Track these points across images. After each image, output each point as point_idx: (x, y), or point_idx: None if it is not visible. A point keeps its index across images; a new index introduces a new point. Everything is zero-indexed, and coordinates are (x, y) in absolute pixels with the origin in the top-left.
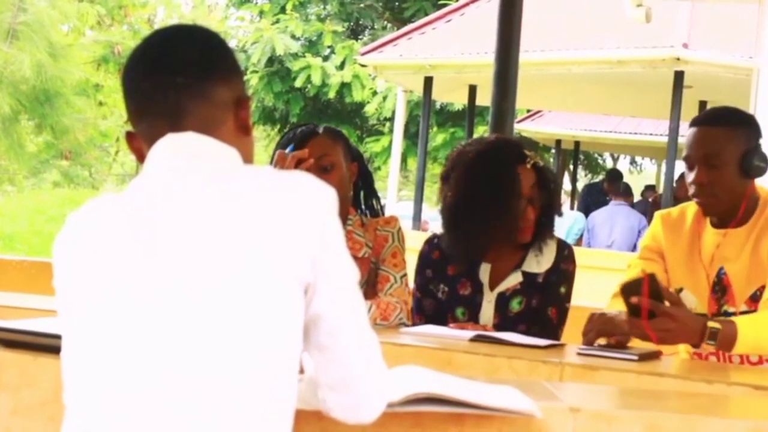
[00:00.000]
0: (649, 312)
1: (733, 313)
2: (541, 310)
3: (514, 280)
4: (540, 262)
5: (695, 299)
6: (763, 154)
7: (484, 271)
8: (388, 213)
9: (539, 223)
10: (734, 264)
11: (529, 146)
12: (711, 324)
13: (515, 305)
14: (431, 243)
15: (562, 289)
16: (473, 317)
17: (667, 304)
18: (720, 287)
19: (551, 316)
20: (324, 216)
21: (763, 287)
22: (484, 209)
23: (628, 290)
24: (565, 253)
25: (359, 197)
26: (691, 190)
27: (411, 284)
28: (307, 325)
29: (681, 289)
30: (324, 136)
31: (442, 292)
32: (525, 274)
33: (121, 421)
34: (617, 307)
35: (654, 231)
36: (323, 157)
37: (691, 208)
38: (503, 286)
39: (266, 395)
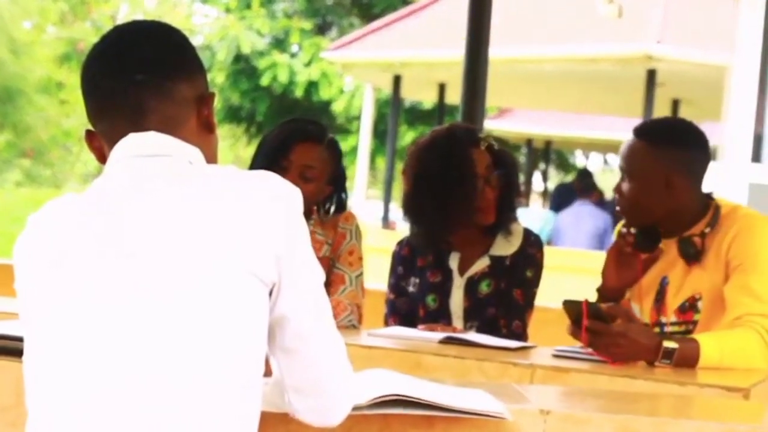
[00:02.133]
0: (596, 333)
1: (665, 324)
2: (506, 291)
3: (482, 264)
4: (507, 246)
5: (638, 309)
6: (692, 172)
7: (453, 259)
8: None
9: (501, 204)
10: (670, 274)
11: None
12: (667, 344)
13: (484, 287)
14: (401, 243)
15: (528, 273)
16: (444, 304)
17: (619, 321)
18: (661, 296)
19: (516, 297)
20: (289, 216)
21: (693, 297)
22: (439, 191)
23: (570, 309)
24: (531, 239)
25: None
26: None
27: (394, 281)
28: (272, 326)
29: (628, 299)
30: (325, 148)
31: (413, 285)
32: (492, 258)
33: (84, 424)
34: None
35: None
36: (311, 168)
37: None
38: (472, 271)
39: (230, 397)
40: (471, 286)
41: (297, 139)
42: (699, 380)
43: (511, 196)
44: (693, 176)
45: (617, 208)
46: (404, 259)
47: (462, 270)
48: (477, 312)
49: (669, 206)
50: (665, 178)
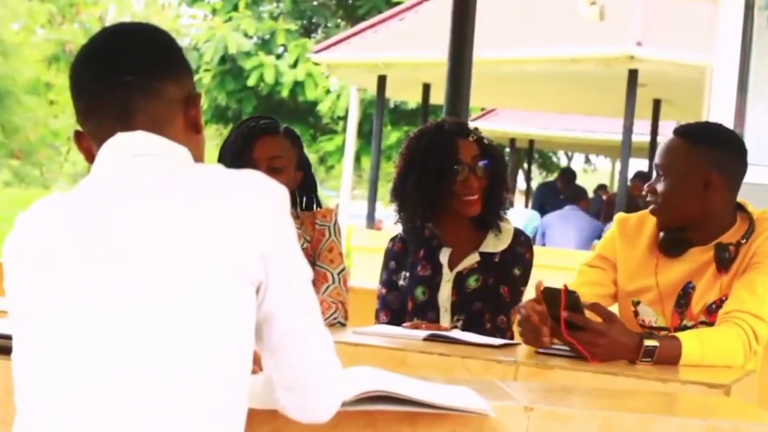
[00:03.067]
0: (574, 325)
1: (689, 327)
2: (494, 287)
3: (471, 260)
4: (497, 243)
5: (653, 312)
6: (730, 175)
7: (444, 254)
8: (342, 213)
9: (488, 197)
10: (696, 280)
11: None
12: (648, 342)
13: (472, 282)
14: (394, 239)
15: (517, 271)
16: (432, 296)
17: (598, 319)
18: (685, 301)
19: (503, 293)
20: (275, 214)
21: (720, 299)
22: (422, 174)
23: (548, 298)
24: (521, 239)
25: (295, 202)
26: (648, 197)
27: (386, 276)
28: (260, 324)
29: (638, 302)
30: (283, 137)
31: (403, 279)
32: (482, 254)
33: (73, 422)
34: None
35: (610, 237)
36: (277, 159)
37: (652, 216)
38: (461, 266)
39: (217, 394)
40: (459, 281)
41: (255, 137)
42: (681, 377)
43: (498, 189)
44: (730, 180)
45: (650, 207)
46: (396, 255)
47: (452, 265)
48: (464, 306)
49: (704, 207)
50: (705, 176)
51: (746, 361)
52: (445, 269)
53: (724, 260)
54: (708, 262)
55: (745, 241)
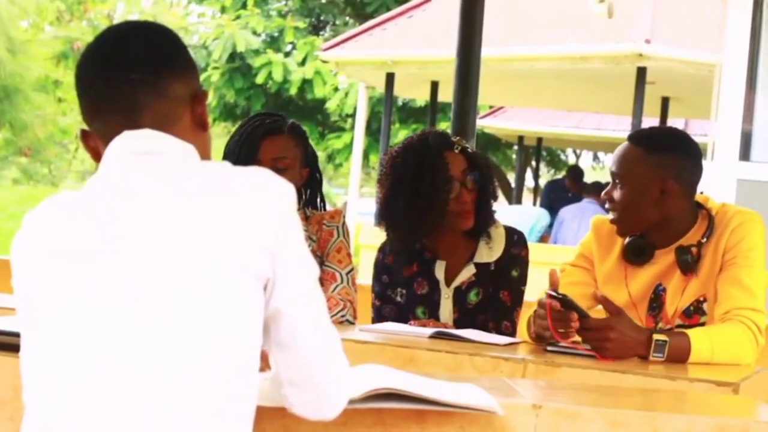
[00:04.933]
0: (586, 329)
1: (667, 330)
2: (494, 294)
3: (467, 273)
4: (490, 252)
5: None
6: (686, 180)
7: (439, 268)
8: (350, 210)
9: (478, 207)
10: (665, 282)
11: (492, 142)
12: (657, 336)
13: (472, 297)
14: (383, 250)
15: (514, 273)
16: (433, 315)
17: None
18: (657, 304)
19: (504, 298)
20: (283, 211)
21: (698, 300)
22: (412, 193)
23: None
24: (514, 239)
25: (301, 199)
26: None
27: (379, 289)
28: (267, 321)
29: None
30: (288, 136)
31: (400, 295)
32: (477, 265)
33: (80, 420)
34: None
35: (588, 239)
36: (281, 159)
37: None
38: (458, 281)
39: (226, 392)
40: (459, 297)
41: (259, 138)
42: (689, 375)
43: (487, 198)
44: (687, 184)
45: (609, 216)
46: (388, 268)
47: (448, 279)
48: (467, 321)
49: (662, 213)
50: (661, 184)
51: (755, 357)
52: (443, 285)
53: (687, 263)
54: (673, 264)
55: (705, 239)
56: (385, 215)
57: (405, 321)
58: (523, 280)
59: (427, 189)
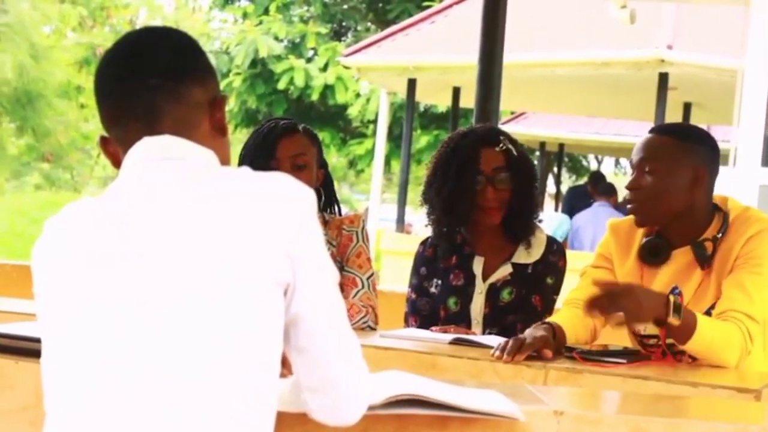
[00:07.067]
0: (603, 296)
1: None
2: (526, 297)
3: (504, 271)
4: (529, 255)
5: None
6: (713, 171)
7: (477, 264)
8: (372, 216)
9: (512, 208)
10: (682, 283)
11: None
12: (672, 298)
13: (505, 295)
14: (425, 243)
15: (549, 280)
16: (465, 308)
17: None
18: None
19: (535, 303)
20: (302, 216)
21: (713, 306)
22: (442, 182)
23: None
24: (554, 248)
25: (320, 200)
26: (627, 195)
27: (416, 281)
28: (287, 326)
29: None
30: (304, 135)
31: (435, 286)
32: (515, 265)
33: (101, 425)
34: (564, 315)
35: (607, 241)
36: (300, 156)
37: None
38: (494, 278)
39: (246, 397)
40: (492, 293)
41: (277, 137)
42: (711, 381)
43: (522, 201)
44: (711, 177)
45: (629, 206)
46: (427, 260)
47: (485, 275)
48: (497, 319)
49: (688, 203)
50: (694, 170)
51: (740, 362)
52: (478, 280)
53: (705, 257)
54: (690, 263)
55: (720, 235)
56: (424, 198)
57: (437, 313)
58: (556, 289)
59: (454, 178)
